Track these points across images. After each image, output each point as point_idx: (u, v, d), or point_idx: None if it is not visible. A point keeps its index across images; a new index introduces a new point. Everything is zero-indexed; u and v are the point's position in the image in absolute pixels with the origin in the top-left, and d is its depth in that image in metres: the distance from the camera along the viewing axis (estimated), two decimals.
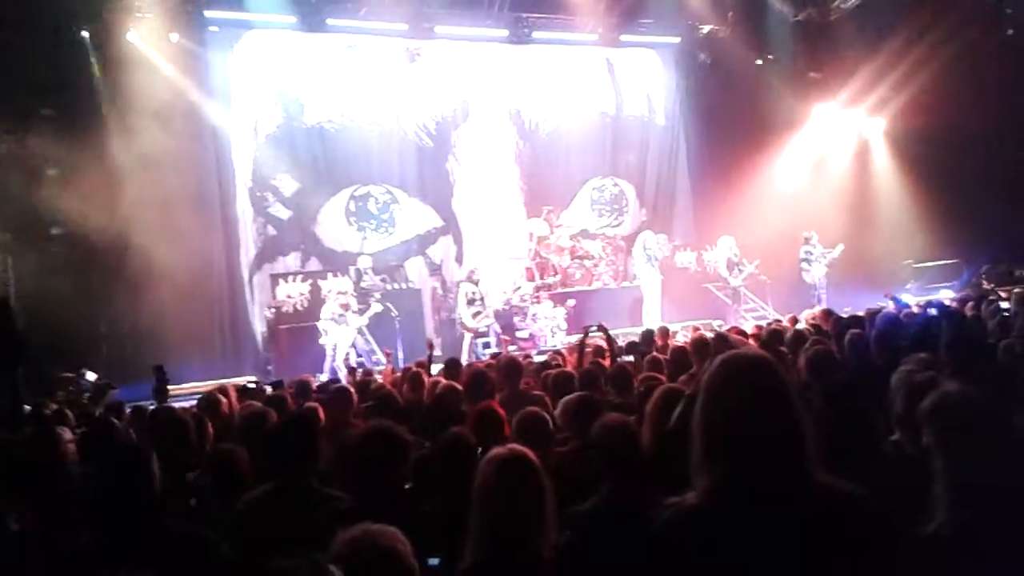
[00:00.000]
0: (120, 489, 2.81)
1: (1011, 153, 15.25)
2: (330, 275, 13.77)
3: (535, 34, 16.15)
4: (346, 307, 12.39)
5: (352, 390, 6.06)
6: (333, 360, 12.19)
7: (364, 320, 12.48)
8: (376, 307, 12.64)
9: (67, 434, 5.46)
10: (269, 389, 7.97)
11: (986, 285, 13.44)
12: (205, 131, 13.58)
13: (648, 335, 8.71)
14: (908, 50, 15.45)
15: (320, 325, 12.37)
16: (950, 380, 2.68)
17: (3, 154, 11.51)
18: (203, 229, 13.18)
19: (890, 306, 9.50)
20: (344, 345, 12.31)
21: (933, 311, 7.61)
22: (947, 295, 13.23)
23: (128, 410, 6.86)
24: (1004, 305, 8.12)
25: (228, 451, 3.89)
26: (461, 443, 3.31)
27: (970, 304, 8.87)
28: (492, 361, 7.77)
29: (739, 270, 15.25)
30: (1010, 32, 16.17)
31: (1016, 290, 8.54)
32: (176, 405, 7.15)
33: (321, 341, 12.36)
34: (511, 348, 12.92)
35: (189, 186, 12.87)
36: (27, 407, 6.97)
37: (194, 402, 6.49)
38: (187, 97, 13.10)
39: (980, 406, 2.30)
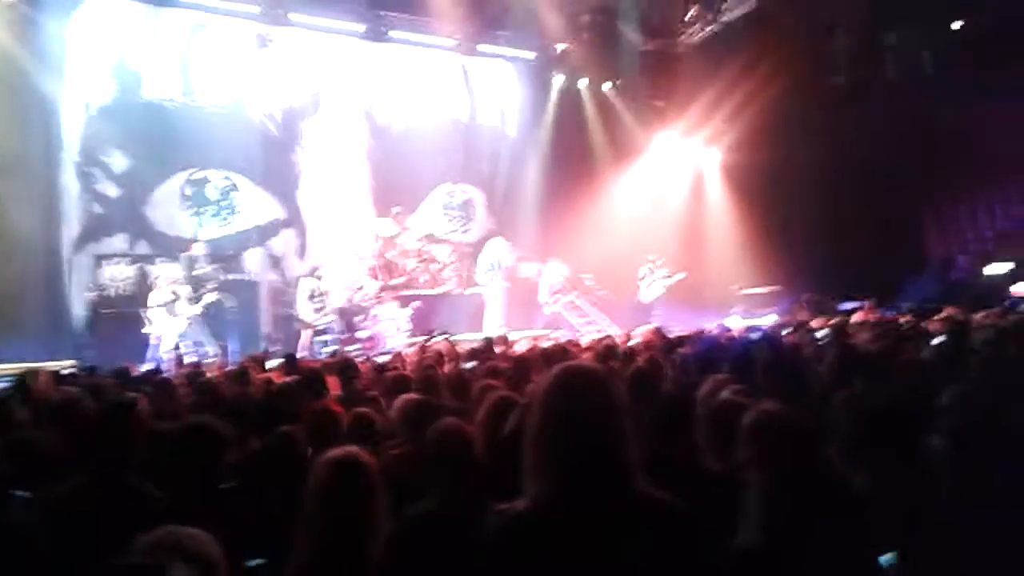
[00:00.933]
0: None
1: (834, 187, 16.44)
2: (159, 260, 13.08)
3: (392, 33, 16.03)
4: (176, 295, 11.81)
5: (176, 382, 5.79)
6: (157, 350, 11.59)
7: (197, 309, 11.94)
8: (210, 297, 12.12)
9: None
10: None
11: (805, 314, 14.44)
12: (33, 98, 12.60)
13: (489, 342, 8.83)
14: (742, 87, 16.39)
15: (147, 313, 11.73)
16: (767, 400, 2.87)
17: None
18: (21, 201, 12.21)
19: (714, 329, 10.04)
20: (171, 335, 11.73)
21: (754, 335, 8.12)
22: (771, 320, 14.08)
23: None
24: (819, 334, 8.73)
25: (31, 438, 3.63)
26: (293, 442, 3.24)
27: (788, 331, 9.49)
28: (329, 360, 7.64)
29: (560, 296, 15.60)
30: (837, 77, 17.53)
31: (833, 321, 9.26)
32: None
33: (146, 330, 11.72)
34: (351, 348, 12.72)
35: (9, 156, 11.94)
36: None
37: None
38: (16, 62, 12.21)
39: (795, 425, 2.48)
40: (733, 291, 16.99)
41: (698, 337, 7.42)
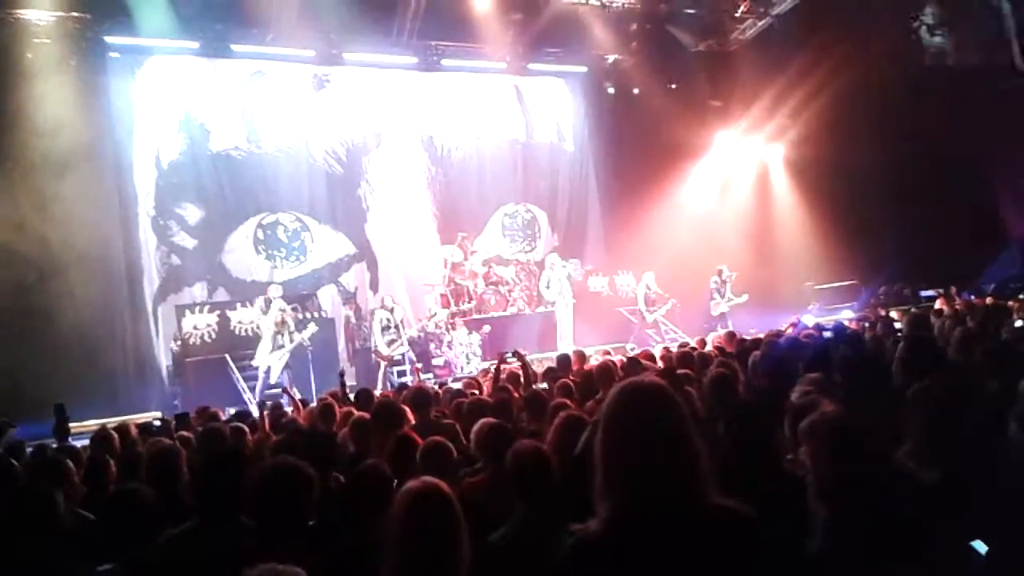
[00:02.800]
0: (26, 529, 2.73)
1: (903, 176, 16.01)
2: (238, 305, 13.47)
3: (444, 61, 16.29)
4: (282, 324, 12.15)
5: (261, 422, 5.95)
6: (265, 383, 11.95)
7: (305, 336, 12.24)
8: (312, 328, 12.43)
9: None
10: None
11: (883, 306, 14.05)
12: (106, 158, 13.19)
13: (564, 360, 8.78)
14: (804, 80, 16.12)
15: (259, 347, 12.19)
16: (830, 402, 2.81)
17: None
18: (104, 259, 12.76)
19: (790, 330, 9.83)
20: (277, 367, 12.07)
21: (830, 333, 7.92)
22: (847, 316, 13.72)
23: (29, 450, 6.59)
24: (899, 326, 8.48)
25: (132, 490, 3.76)
26: (377, 475, 3.28)
27: (867, 325, 9.23)
28: (404, 391, 7.72)
29: (656, 308, 15.45)
30: (904, 65, 17.11)
31: (912, 311, 8.97)
32: (79, 444, 6.86)
33: (254, 362, 12.13)
34: (425, 376, 12.84)
35: (89, 215, 12.44)
36: None
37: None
38: (87, 124, 12.74)
39: (852, 428, 2.42)
40: (807, 288, 16.62)
41: (773, 339, 7.27)
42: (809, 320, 12.02)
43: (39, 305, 11.39)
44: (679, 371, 6.00)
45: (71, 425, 8.51)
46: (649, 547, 1.87)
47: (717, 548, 1.88)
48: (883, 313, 11.10)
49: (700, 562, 1.86)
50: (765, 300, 15.61)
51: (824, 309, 15.58)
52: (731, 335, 8.90)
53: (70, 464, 4.32)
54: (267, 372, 12.10)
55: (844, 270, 16.50)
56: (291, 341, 12.21)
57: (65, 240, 11.93)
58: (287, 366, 12.21)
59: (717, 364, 5.92)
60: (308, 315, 13.76)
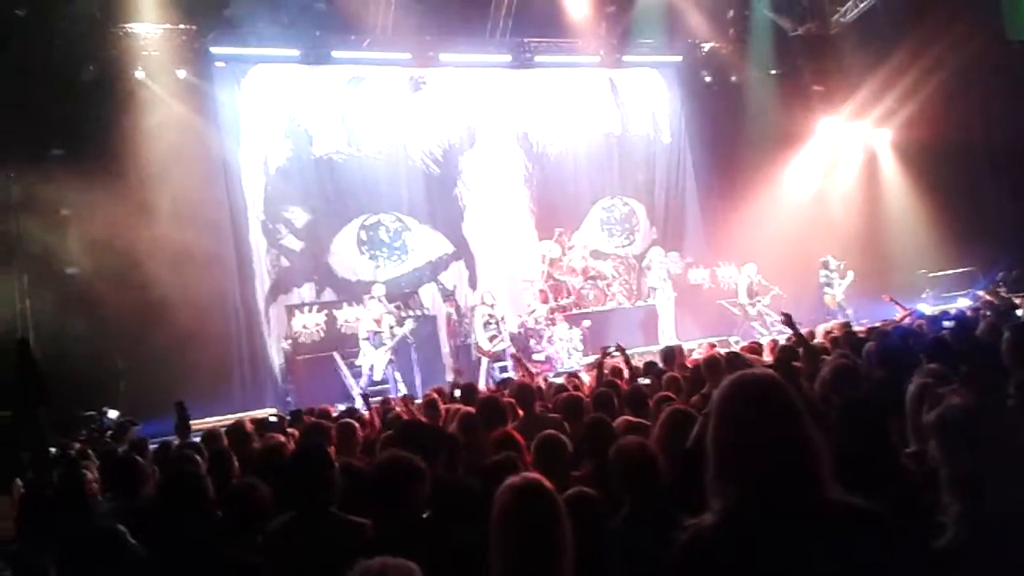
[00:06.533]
0: (181, 516, 2.90)
1: (1020, 159, 15.20)
2: (344, 305, 13.85)
3: (537, 58, 16.32)
4: (379, 322, 12.45)
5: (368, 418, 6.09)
6: (370, 380, 12.27)
7: (406, 331, 12.50)
8: (410, 323, 12.70)
9: (90, 473, 5.53)
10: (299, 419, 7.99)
11: (1003, 292, 13.36)
12: (215, 165, 13.75)
13: (668, 353, 8.65)
14: (913, 61, 15.45)
15: (361, 343, 12.55)
16: (956, 391, 2.69)
17: (17, 196, 11.65)
18: (217, 263, 13.32)
19: (898, 313, 9.45)
20: (380, 365, 12.38)
21: (950, 322, 7.58)
22: (964, 303, 13.14)
23: (153, 447, 6.93)
24: (1021, 312, 8.06)
25: (249, 485, 3.93)
26: (505, 469, 3.30)
27: (986, 314, 8.81)
28: (506, 386, 7.77)
29: (759, 299, 15.10)
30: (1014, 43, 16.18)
31: None
32: (198, 440, 7.19)
33: (358, 361, 12.49)
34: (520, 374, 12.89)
35: (202, 220, 12.99)
36: (52, 449, 7.03)
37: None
38: (196, 133, 13.26)
39: (983, 417, 2.31)
40: (920, 276, 15.95)
41: (887, 329, 7.00)
42: (925, 309, 11.53)
43: (157, 307, 11.86)
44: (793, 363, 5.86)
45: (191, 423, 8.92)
46: (766, 542, 1.83)
47: (838, 544, 1.82)
48: (1002, 300, 10.54)
49: (819, 558, 1.81)
50: (876, 289, 15.05)
51: (939, 297, 14.93)
52: (844, 326, 8.61)
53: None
54: (371, 369, 12.41)
55: (959, 256, 15.76)
56: (392, 337, 12.50)
57: (181, 245, 12.47)
58: (391, 362, 12.50)
59: (836, 355, 5.73)
60: (410, 313, 14.04)
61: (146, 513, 4.08)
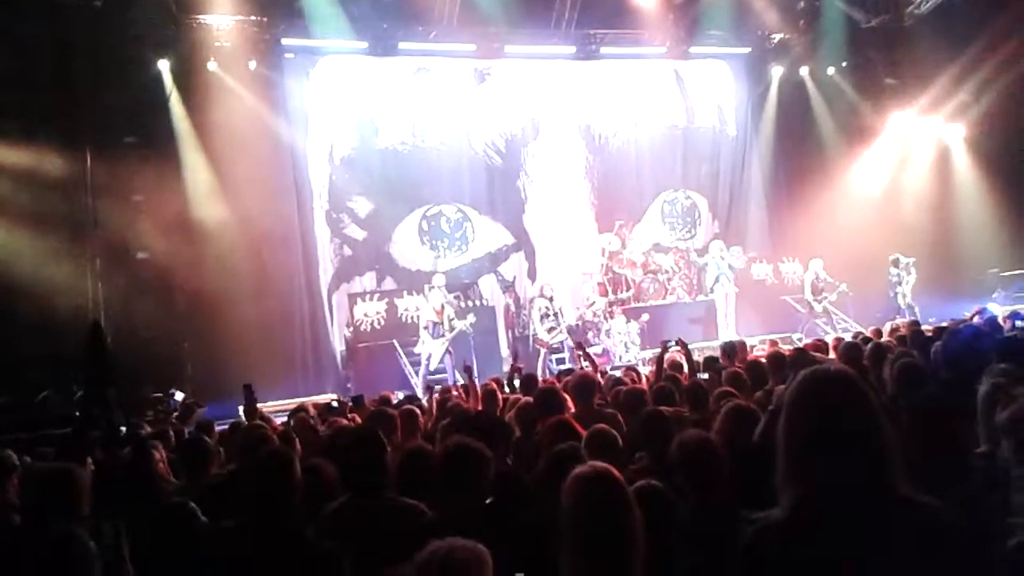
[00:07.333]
0: (267, 496, 2.99)
1: None
2: (405, 294, 14.01)
3: (603, 49, 16.20)
4: (443, 312, 12.56)
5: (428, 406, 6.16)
6: (427, 369, 12.42)
7: (466, 324, 12.62)
8: (471, 317, 12.80)
9: (158, 452, 5.69)
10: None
11: None
12: (283, 155, 14.00)
13: (730, 348, 8.53)
14: (989, 55, 14.95)
15: (422, 335, 12.69)
16: None
17: (92, 182, 12.02)
18: (283, 251, 13.60)
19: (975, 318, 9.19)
20: (437, 354, 12.50)
21: (1020, 322, 7.35)
22: None
23: (219, 428, 7.11)
24: None
25: (316, 466, 4.00)
26: (570, 459, 3.31)
27: None
28: (566, 378, 7.77)
29: (824, 295, 14.79)
30: None
31: None
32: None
33: (416, 349, 12.65)
34: (585, 365, 12.85)
35: (269, 209, 13.26)
36: (123, 428, 7.25)
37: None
38: (265, 123, 13.52)
39: None
40: (991, 275, 15.46)
41: (957, 328, 6.80)
42: (995, 308, 11.18)
43: (224, 292, 12.15)
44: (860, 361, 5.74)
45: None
46: (836, 538, 1.82)
47: (908, 543, 1.80)
48: None
49: (889, 556, 1.79)
50: (946, 288, 14.68)
51: (1011, 297, 14.47)
52: (912, 324, 8.41)
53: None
54: (428, 358, 12.52)
55: None
56: (451, 329, 12.57)
57: (248, 232, 12.79)
58: (448, 352, 12.59)
59: (900, 353, 5.60)
60: (469, 303, 14.13)
61: (214, 491, 4.21)
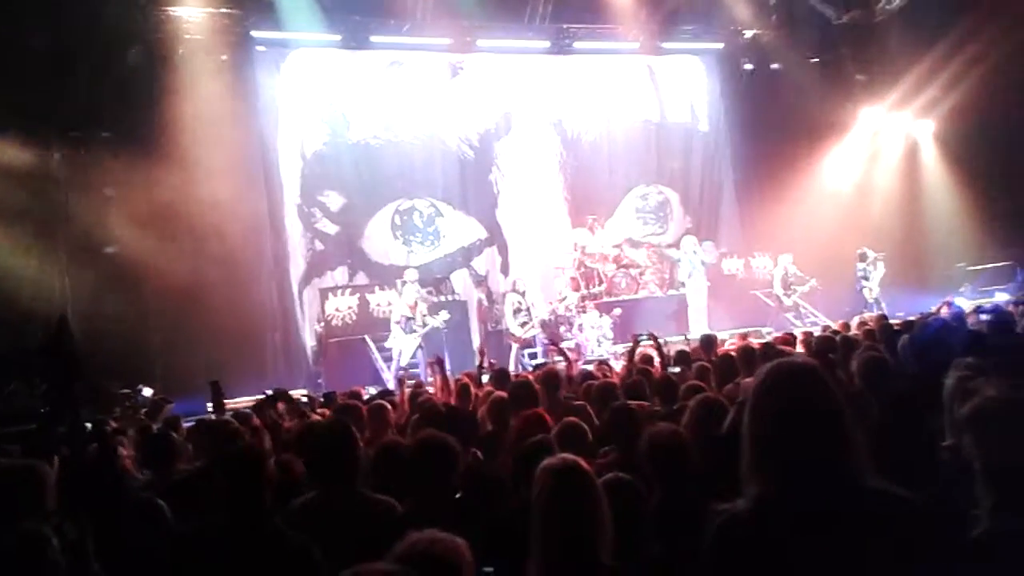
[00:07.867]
0: (240, 491, 2.96)
1: None
2: (377, 289, 13.93)
3: (576, 44, 16.21)
4: (416, 307, 12.50)
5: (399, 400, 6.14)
6: (398, 364, 12.35)
7: (439, 322, 12.57)
8: (445, 314, 12.74)
9: (124, 449, 5.63)
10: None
11: None
12: (254, 150, 13.85)
13: (708, 341, 8.56)
14: (959, 51, 15.15)
15: (392, 327, 12.60)
16: (990, 384, 2.65)
17: (61, 176, 11.84)
18: (254, 246, 13.45)
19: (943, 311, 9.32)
20: (409, 349, 12.45)
21: (987, 316, 7.46)
22: (1002, 298, 12.93)
23: (187, 425, 7.04)
24: None
25: (285, 462, 3.98)
26: (541, 452, 3.31)
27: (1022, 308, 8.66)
28: (535, 372, 7.78)
29: (794, 289, 14.95)
30: None
31: None
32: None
33: (388, 344, 12.56)
34: (557, 359, 12.89)
35: (240, 204, 13.08)
36: (88, 424, 7.15)
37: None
38: (236, 116, 13.29)
39: (1016, 409, 2.28)
40: (958, 269, 15.70)
41: (925, 322, 6.90)
42: (962, 302, 11.36)
43: (193, 288, 11.97)
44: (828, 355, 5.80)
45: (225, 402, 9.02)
46: (800, 528, 1.83)
47: (874, 532, 1.81)
48: None
49: (854, 545, 1.81)
50: (914, 282, 14.87)
51: (977, 291, 14.71)
52: (880, 318, 8.50)
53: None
54: (400, 353, 12.46)
55: (999, 250, 15.52)
56: (424, 325, 12.52)
57: (218, 227, 12.61)
58: (420, 347, 12.54)
59: (866, 347, 5.66)
60: (442, 298, 14.08)
61: (181, 487, 4.17)
